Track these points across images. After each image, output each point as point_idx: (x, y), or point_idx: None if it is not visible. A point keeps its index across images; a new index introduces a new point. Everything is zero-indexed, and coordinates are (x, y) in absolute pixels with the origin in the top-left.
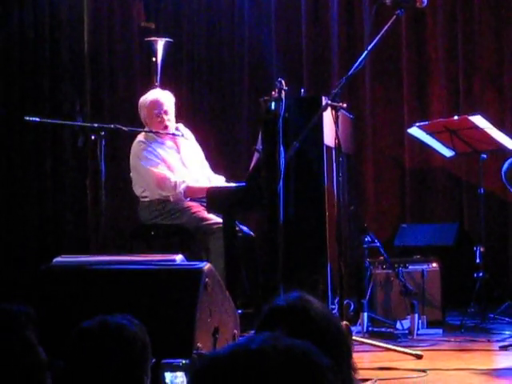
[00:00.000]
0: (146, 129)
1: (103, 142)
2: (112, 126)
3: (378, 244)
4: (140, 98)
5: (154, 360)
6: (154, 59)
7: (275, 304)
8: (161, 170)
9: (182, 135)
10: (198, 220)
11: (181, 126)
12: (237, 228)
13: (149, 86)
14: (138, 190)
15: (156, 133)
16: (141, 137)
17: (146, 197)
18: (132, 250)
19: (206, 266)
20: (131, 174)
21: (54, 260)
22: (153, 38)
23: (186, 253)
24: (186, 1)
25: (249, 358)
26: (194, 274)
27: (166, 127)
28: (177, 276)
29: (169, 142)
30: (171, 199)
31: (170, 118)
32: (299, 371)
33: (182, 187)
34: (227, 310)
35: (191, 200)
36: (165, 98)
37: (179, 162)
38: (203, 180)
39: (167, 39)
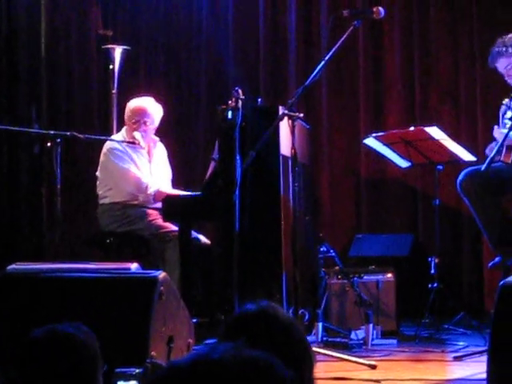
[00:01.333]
0: (106, 137)
1: (59, 150)
2: (68, 133)
3: (334, 254)
4: (97, 105)
5: (106, 368)
6: (111, 67)
7: (243, 311)
8: (133, 169)
9: (139, 144)
10: (155, 228)
11: (158, 141)
12: (193, 237)
13: (106, 94)
14: (102, 188)
15: (113, 140)
16: (120, 136)
17: (106, 198)
18: (88, 257)
19: (161, 274)
20: (98, 173)
21: (8, 267)
22: (110, 46)
23: (142, 261)
24: (144, 8)
25: (209, 367)
26: (148, 283)
27: (145, 135)
28: (131, 284)
29: (143, 151)
30: (140, 199)
31: (147, 129)
32: (260, 382)
33: (152, 190)
34: (182, 318)
35: (151, 208)
36: (153, 110)
37: (148, 170)
38: (168, 187)
39: (124, 47)
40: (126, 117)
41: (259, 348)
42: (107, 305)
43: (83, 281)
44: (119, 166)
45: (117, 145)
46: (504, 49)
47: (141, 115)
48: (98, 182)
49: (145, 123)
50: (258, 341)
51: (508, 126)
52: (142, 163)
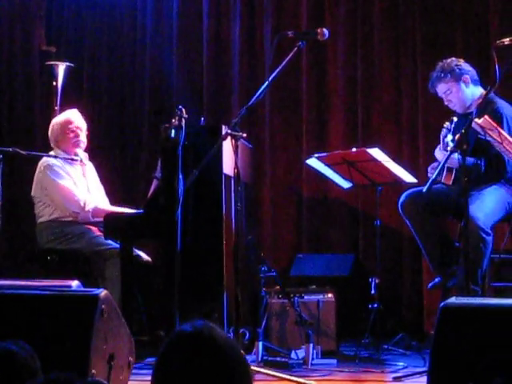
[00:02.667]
0: (49, 153)
1: (1, 166)
2: (10, 149)
3: (274, 273)
4: (40, 121)
5: None
6: (54, 83)
7: (180, 329)
8: (67, 184)
9: (81, 160)
10: (95, 245)
11: (85, 155)
12: (134, 254)
13: (49, 110)
14: (39, 207)
15: (55, 157)
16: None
17: (43, 216)
18: (28, 275)
19: (103, 292)
20: (33, 193)
21: None
22: (53, 62)
23: (83, 279)
24: (88, 25)
25: None
26: (90, 301)
27: (77, 143)
28: (73, 302)
29: (77, 166)
30: (79, 217)
31: (83, 138)
32: None
33: (90, 207)
34: (123, 336)
35: (91, 224)
36: (78, 117)
37: (85, 185)
38: (106, 203)
39: (68, 63)
40: (55, 134)
41: (196, 368)
42: (48, 322)
43: (24, 298)
44: (56, 182)
45: (54, 161)
46: (442, 74)
47: (73, 122)
48: (36, 201)
49: (79, 129)
50: (199, 358)
51: (449, 148)
52: (79, 178)
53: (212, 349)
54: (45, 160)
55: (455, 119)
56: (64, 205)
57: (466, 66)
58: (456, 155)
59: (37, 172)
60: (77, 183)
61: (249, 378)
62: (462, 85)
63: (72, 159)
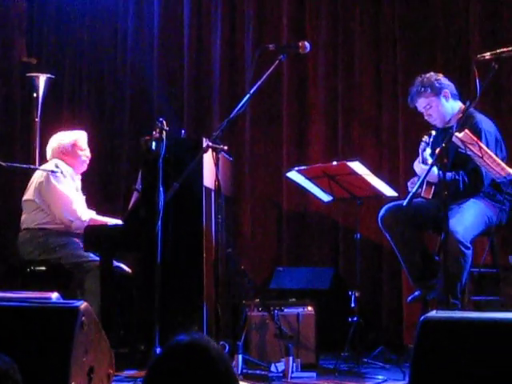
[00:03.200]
0: (29, 166)
1: None
2: None
3: (254, 286)
4: (20, 132)
5: None
6: (34, 95)
7: (177, 341)
8: (72, 195)
9: (62, 172)
10: (76, 256)
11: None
12: (113, 265)
13: (29, 122)
14: (31, 212)
15: (35, 169)
16: (52, 165)
17: (32, 222)
18: (7, 286)
19: (83, 304)
20: (27, 197)
21: None
22: (34, 74)
23: (63, 291)
24: (69, 37)
25: None
26: (69, 313)
27: (85, 162)
28: (52, 314)
29: (71, 179)
30: (73, 226)
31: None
32: None
33: (86, 217)
34: (102, 349)
35: (73, 236)
36: (84, 135)
37: (80, 197)
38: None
39: (49, 75)
40: (62, 148)
41: (189, 379)
42: (28, 334)
43: (3, 310)
44: (58, 189)
45: (62, 168)
46: (422, 89)
47: (84, 144)
48: (24, 206)
49: (87, 152)
50: (194, 370)
51: (429, 162)
52: (77, 190)
53: (207, 360)
54: (48, 168)
55: (433, 133)
56: (61, 212)
57: (444, 81)
58: (435, 170)
59: (38, 177)
60: (74, 191)
61: None
62: (443, 99)
63: (52, 171)
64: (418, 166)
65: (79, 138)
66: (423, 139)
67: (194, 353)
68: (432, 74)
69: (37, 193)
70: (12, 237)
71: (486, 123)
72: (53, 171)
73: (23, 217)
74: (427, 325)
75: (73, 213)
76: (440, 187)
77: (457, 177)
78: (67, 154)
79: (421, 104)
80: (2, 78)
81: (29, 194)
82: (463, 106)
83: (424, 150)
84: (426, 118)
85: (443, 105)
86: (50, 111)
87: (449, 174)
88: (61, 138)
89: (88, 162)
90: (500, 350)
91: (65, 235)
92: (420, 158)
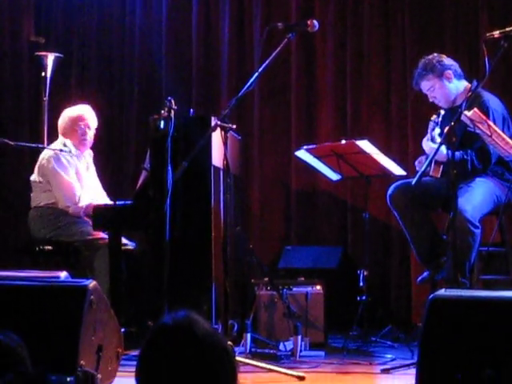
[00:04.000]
0: (37, 144)
1: None
2: None
3: (263, 265)
4: (29, 112)
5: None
6: (43, 74)
7: (161, 323)
8: (71, 179)
9: (70, 151)
10: (85, 234)
11: (89, 152)
12: (123, 244)
13: (38, 101)
14: (38, 191)
15: (45, 148)
16: (59, 144)
17: (41, 201)
18: (17, 265)
19: (91, 283)
20: (34, 177)
21: None
22: (42, 53)
23: (71, 270)
24: (77, 16)
25: None
26: (78, 292)
27: (84, 141)
28: (61, 293)
29: (83, 159)
30: (70, 211)
31: (90, 137)
32: None
33: (83, 203)
34: (111, 328)
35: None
36: (92, 116)
37: (88, 178)
38: (104, 197)
39: (57, 54)
40: (64, 126)
41: (177, 362)
42: (37, 313)
43: (13, 289)
44: (59, 174)
45: (66, 148)
46: (424, 72)
47: (85, 120)
48: (32, 185)
49: (88, 127)
50: (179, 350)
51: (437, 141)
52: (83, 171)
53: (191, 342)
54: (56, 147)
55: (442, 112)
56: (61, 196)
57: (448, 61)
58: (444, 149)
59: (41, 158)
60: (82, 176)
61: (232, 369)
62: (445, 81)
63: (61, 150)
64: (427, 145)
65: (79, 115)
66: (432, 118)
67: (178, 334)
68: (435, 55)
69: (40, 175)
70: (21, 216)
71: (493, 102)
72: (61, 150)
73: (32, 195)
74: (436, 303)
75: (71, 198)
76: (448, 166)
77: (465, 156)
78: (68, 133)
79: (424, 87)
80: (11, 58)
81: (34, 175)
82: (469, 85)
83: (433, 129)
84: (430, 99)
85: (446, 86)
86: (59, 90)
87: (457, 154)
88: (63, 116)
89: (88, 139)
90: (509, 328)
91: (78, 214)
92: (429, 135)
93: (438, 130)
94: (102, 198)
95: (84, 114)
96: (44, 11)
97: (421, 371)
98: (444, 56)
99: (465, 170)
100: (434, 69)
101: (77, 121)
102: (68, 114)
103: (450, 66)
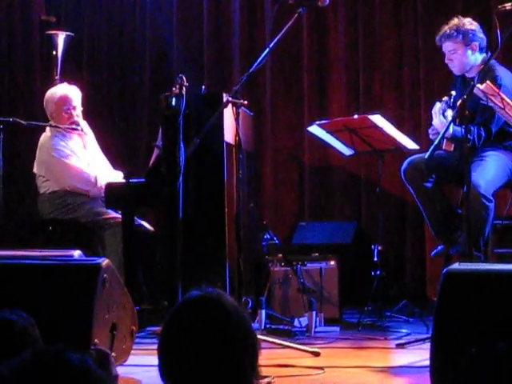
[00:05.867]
0: (50, 123)
1: (1, 136)
2: (11, 119)
3: (277, 241)
4: (40, 91)
5: None
6: (54, 53)
7: (189, 296)
8: (74, 162)
9: (82, 130)
10: (95, 214)
11: (84, 123)
12: (136, 223)
13: (49, 80)
14: (41, 180)
15: (56, 127)
16: (49, 131)
17: (45, 188)
18: (30, 245)
19: (105, 261)
20: (35, 170)
21: None
22: (53, 32)
23: (85, 249)
24: None
25: None
26: (91, 270)
27: (73, 123)
28: (74, 272)
29: (76, 138)
30: (91, 194)
31: (78, 114)
32: None
33: (102, 183)
34: (125, 306)
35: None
36: (74, 94)
37: (87, 157)
38: (113, 175)
39: (68, 33)
40: (50, 111)
41: (202, 333)
42: (51, 292)
43: (26, 268)
44: (63, 162)
45: (55, 140)
46: (455, 33)
47: (69, 102)
48: (37, 177)
49: (74, 108)
50: (208, 322)
51: (449, 117)
52: (81, 151)
53: (220, 313)
54: (46, 141)
55: (454, 93)
56: (73, 184)
57: (479, 33)
58: (451, 128)
59: (38, 151)
60: (78, 155)
61: (254, 344)
62: (469, 51)
63: (73, 129)
64: (439, 120)
65: (61, 98)
66: (444, 99)
67: (206, 306)
68: (470, 21)
69: (41, 168)
70: (33, 196)
71: (506, 76)
72: (74, 129)
73: (37, 183)
74: (450, 277)
75: (87, 182)
76: (461, 141)
77: (469, 136)
78: (55, 117)
79: (447, 47)
80: (22, 37)
81: (36, 168)
82: (486, 58)
83: (445, 110)
84: (446, 61)
85: (468, 56)
86: (70, 69)
87: (458, 130)
88: (46, 100)
89: (74, 119)
90: None
91: (82, 194)
92: (437, 114)
93: (450, 112)
94: (108, 171)
95: (67, 96)
96: None
97: (435, 345)
98: (477, 25)
99: (472, 144)
100: (464, 35)
101: (61, 105)
102: (51, 97)
103: (479, 38)
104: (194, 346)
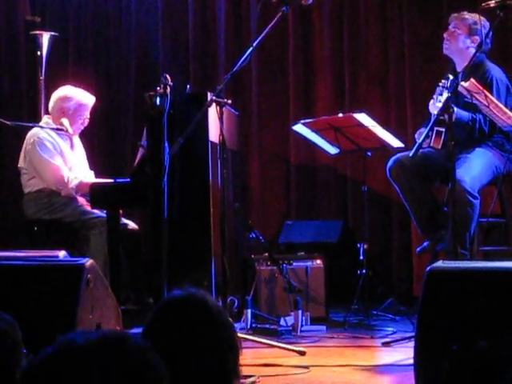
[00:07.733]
0: (33, 123)
1: None
2: None
3: (263, 241)
4: (25, 91)
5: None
6: (39, 53)
7: (172, 295)
8: (57, 162)
9: (67, 130)
10: (80, 214)
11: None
12: (121, 222)
13: (34, 80)
14: (26, 178)
15: (40, 127)
16: (44, 124)
17: (30, 186)
18: (15, 246)
19: (88, 261)
20: (21, 164)
21: None
22: (38, 32)
23: (70, 248)
24: None
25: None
26: (75, 270)
27: (83, 126)
28: (58, 272)
29: (65, 137)
30: (62, 193)
31: (88, 119)
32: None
33: (73, 183)
34: (109, 306)
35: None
36: (91, 102)
37: (74, 157)
38: (91, 176)
39: (53, 33)
40: (60, 108)
41: (186, 333)
42: (34, 293)
43: (10, 268)
44: (45, 158)
45: (45, 134)
46: (467, 17)
47: (87, 110)
48: (22, 171)
49: (85, 123)
50: (191, 322)
51: (436, 111)
52: (68, 151)
53: (205, 314)
54: (36, 133)
55: (451, 77)
56: (49, 180)
57: (485, 34)
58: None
59: (25, 143)
60: (65, 155)
61: (236, 345)
62: (468, 41)
63: (58, 129)
64: (435, 107)
65: (85, 104)
66: (441, 83)
67: (191, 306)
68: (485, 21)
69: (25, 161)
70: (20, 196)
71: (496, 71)
72: (59, 129)
73: (22, 182)
74: (433, 275)
75: (60, 181)
76: (447, 137)
77: (474, 116)
78: (68, 117)
79: (453, 24)
80: (6, 37)
81: (21, 162)
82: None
83: (441, 93)
84: (444, 35)
85: (464, 44)
86: (55, 69)
87: (466, 115)
88: (63, 98)
89: (86, 124)
90: (506, 299)
91: (71, 195)
92: (435, 99)
93: (445, 95)
94: (89, 177)
95: (89, 103)
96: None
97: (419, 343)
98: (489, 28)
99: (472, 132)
100: (474, 25)
101: (83, 110)
102: (72, 97)
103: (482, 37)
104: (178, 345)
